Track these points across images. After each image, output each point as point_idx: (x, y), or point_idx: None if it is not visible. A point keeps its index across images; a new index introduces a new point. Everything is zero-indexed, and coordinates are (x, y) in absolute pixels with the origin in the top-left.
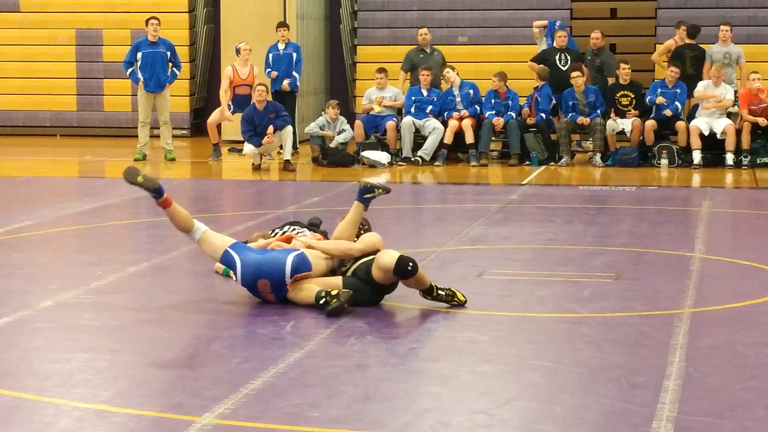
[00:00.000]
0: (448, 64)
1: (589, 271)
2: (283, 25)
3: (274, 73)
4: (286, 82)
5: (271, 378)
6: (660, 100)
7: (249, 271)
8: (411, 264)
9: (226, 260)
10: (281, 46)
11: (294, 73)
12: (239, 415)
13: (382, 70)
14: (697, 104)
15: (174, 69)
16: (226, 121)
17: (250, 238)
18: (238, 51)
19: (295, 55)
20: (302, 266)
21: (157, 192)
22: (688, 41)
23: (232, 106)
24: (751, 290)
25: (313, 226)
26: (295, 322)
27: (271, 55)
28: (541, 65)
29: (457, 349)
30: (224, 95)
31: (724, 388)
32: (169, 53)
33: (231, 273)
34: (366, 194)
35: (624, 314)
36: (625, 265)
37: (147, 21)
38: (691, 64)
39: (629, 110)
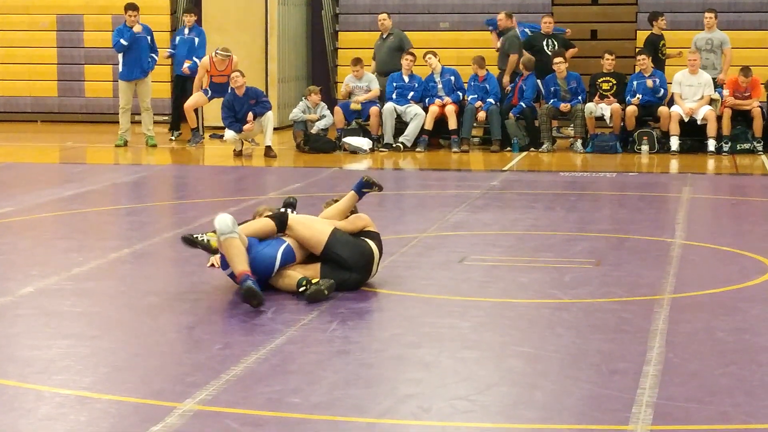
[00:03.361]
0: (430, 50)
1: (570, 257)
2: (190, 11)
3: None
4: (186, 66)
5: (253, 364)
6: (635, 101)
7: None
8: None
9: (224, 261)
10: (186, 31)
11: (195, 58)
12: (220, 401)
13: (357, 62)
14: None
15: (152, 55)
16: (204, 104)
17: (257, 211)
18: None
19: (197, 39)
20: (289, 259)
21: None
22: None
23: (209, 92)
24: (731, 276)
25: (289, 206)
26: (277, 308)
27: (177, 38)
28: (527, 55)
29: (438, 336)
30: (198, 82)
31: (703, 373)
32: (149, 38)
33: (213, 259)
34: (365, 188)
35: (604, 300)
36: (606, 251)
37: (126, 11)
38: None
39: (608, 96)
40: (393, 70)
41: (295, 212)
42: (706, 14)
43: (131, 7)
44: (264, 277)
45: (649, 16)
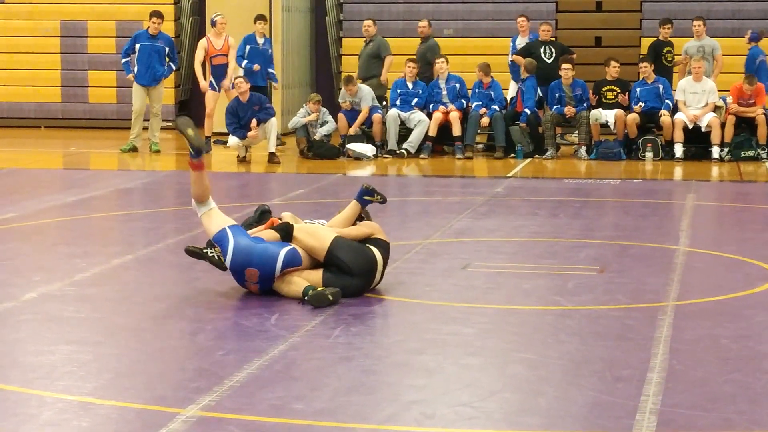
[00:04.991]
0: (439, 55)
1: (574, 263)
2: (262, 18)
3: (257, 66)
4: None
5: (256, 370)
6: (637, 109)
7: (240, 256)
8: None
9: (220, 238)
10: (260, 40)
11: (269, 70)
12: (223, 407)
13: (348, 81)
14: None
15: (170, 64)
16: (217, 99)
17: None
18: (213, 23)
19: (270, 50)
20: (294, 261)
21: (197, 152)
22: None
23: (214, 83)
24: (735, 283)
25: (266, 213)
26: (280, 315)
27: (248, 47)
28: (529, 58)
29: (441, 342)
30: (199, 67)
31: (707, 381)
32: (167, 48)
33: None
34: (366, 196)
35: (608, 307)
36: (610, 258)
37: (150, 16)
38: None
39: (617, 97)
40: (370, 76)
41: (270, 215)
42: (695, 22)
43: (156, 14)
44: (266, 274)
45: (661, 21)
